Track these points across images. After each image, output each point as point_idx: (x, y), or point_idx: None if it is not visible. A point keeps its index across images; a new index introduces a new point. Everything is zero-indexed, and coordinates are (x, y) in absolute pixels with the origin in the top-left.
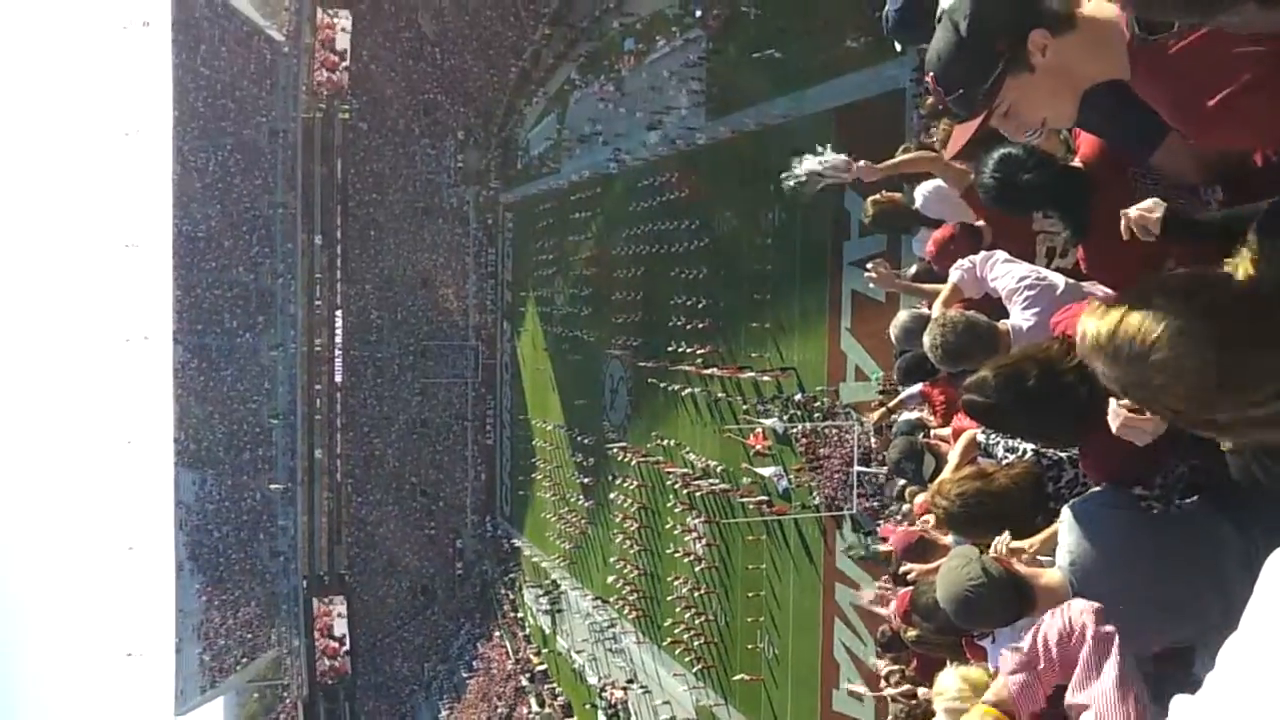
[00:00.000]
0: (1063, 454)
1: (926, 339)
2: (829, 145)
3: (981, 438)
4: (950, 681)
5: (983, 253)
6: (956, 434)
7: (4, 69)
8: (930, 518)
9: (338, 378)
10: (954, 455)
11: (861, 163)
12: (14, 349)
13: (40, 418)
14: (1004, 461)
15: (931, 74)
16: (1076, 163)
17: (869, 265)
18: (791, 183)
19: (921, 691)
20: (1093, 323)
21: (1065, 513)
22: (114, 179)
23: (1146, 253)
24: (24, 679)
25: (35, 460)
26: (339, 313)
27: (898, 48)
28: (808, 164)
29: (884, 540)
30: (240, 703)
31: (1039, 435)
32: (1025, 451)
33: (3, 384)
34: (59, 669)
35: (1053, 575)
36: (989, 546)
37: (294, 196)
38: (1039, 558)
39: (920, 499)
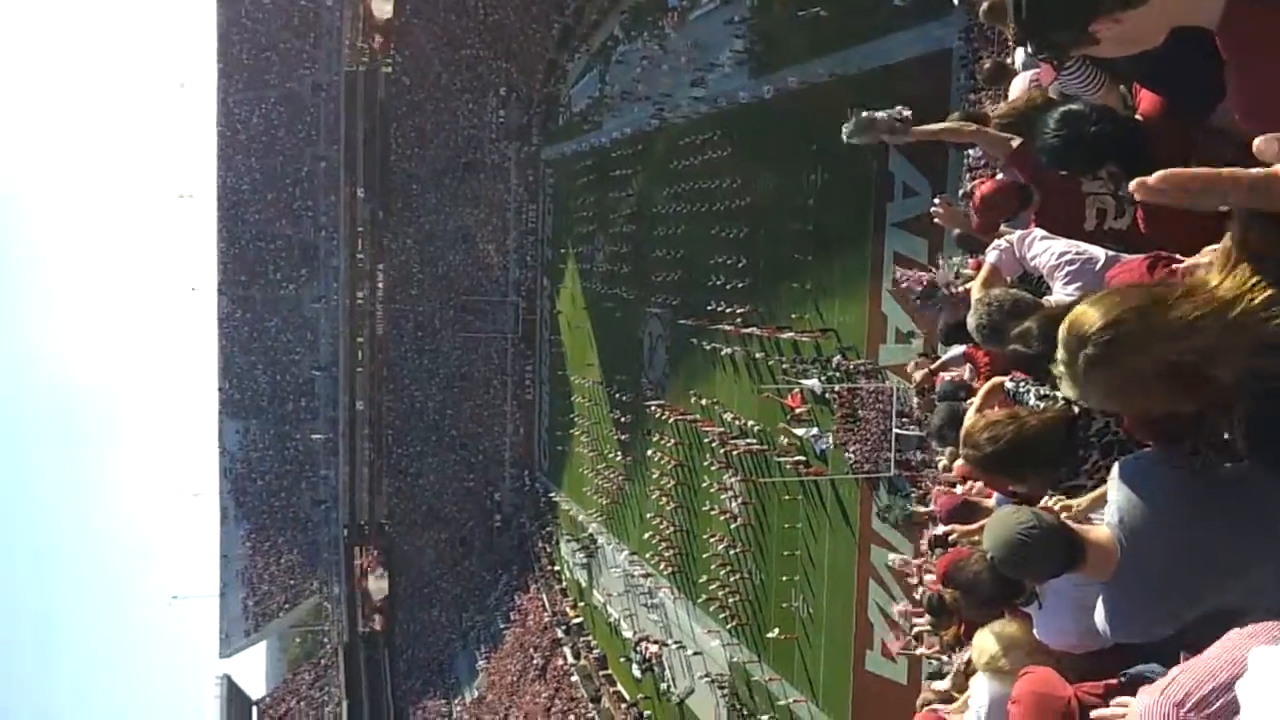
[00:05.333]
0: None
1: (971, 319)
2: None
3: (1010, 385)
4: (989, 640)
5: (1019, 232)
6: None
7: (62, 20)
8: (976, 483)
9: (379, 330)
10: (976, 399)
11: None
12: (69, 296)
13: (95, 363)
14: (1036, 408)
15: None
16: (1137, 118)
17: (935, 201)
18: (851, 128)
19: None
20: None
21: (1115, 469)
22: (167, 130)
23: (1206, 211)
24: (74, 619)
25: (86, 405)
26: (381, 266)
27: (954, 1)
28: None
29: (933, 503)
30: (282, 647)
31: None
32: (1057, 399)
33: (56, 332)
34: (108, 611)
35: (1101, 532)
36: (1031, 502)
37: (336, 150)
38: (1090, 516)
39: (960, 463)
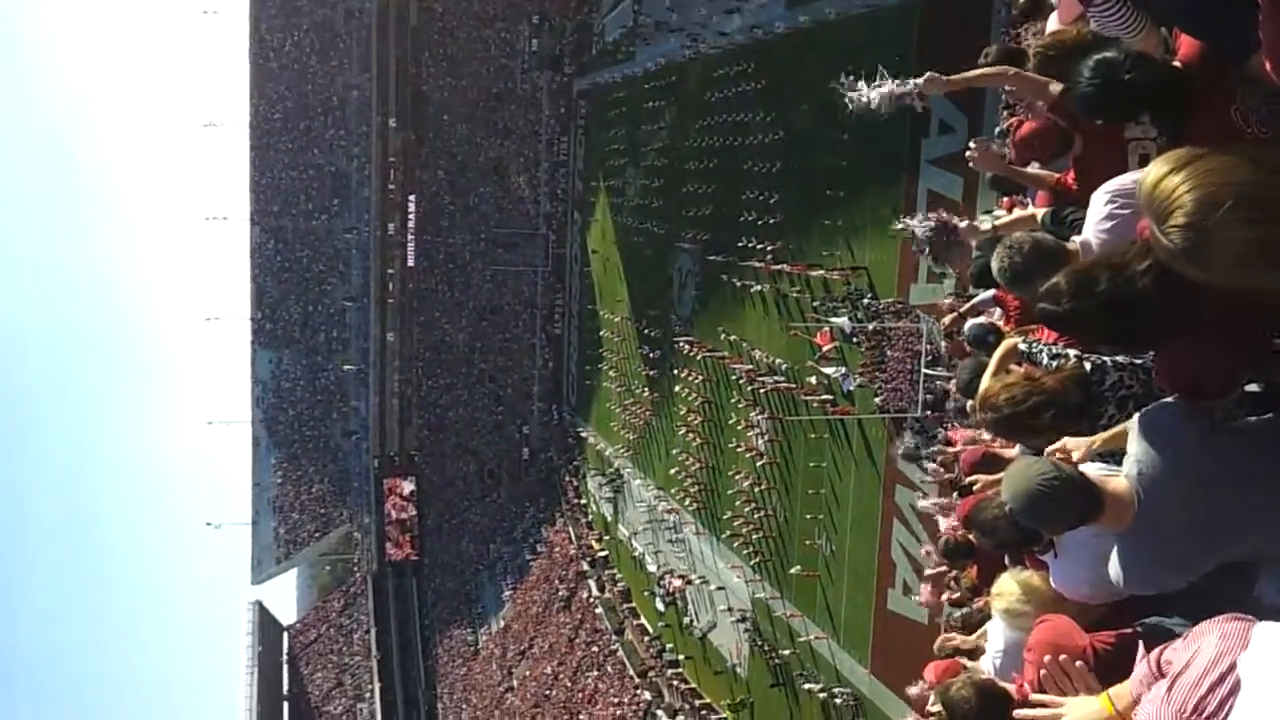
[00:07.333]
0: (1106, 358)
1: (994, 262)
2: (888, 70)
3: (1023, 346)
4: (1011, 586)
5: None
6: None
7: None
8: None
9: (410, 262)
10: (992, 363)
11: (928, 74)
12: (103, 227)
13: (129, 291)
14: (1049, 367)
15: None
16: (1176, 63)
17: (971, 143)
18: (854, 106)
19: (978, 602)
20: (1150, 171)
21: (1134, 421)
22: (195, 58)
23: None
24: (113, 542)
25: (120, 333)
26: (412, 197)
27: None
28: (874, 90)
29: (948, 444)
30: (313, 574)
31: (1114, 340)
32: (1069, 357)
33: (92, 260)
34: (145, 535)
35: (1119, 483)
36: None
37: (368, 79)
38: (1099, 464)
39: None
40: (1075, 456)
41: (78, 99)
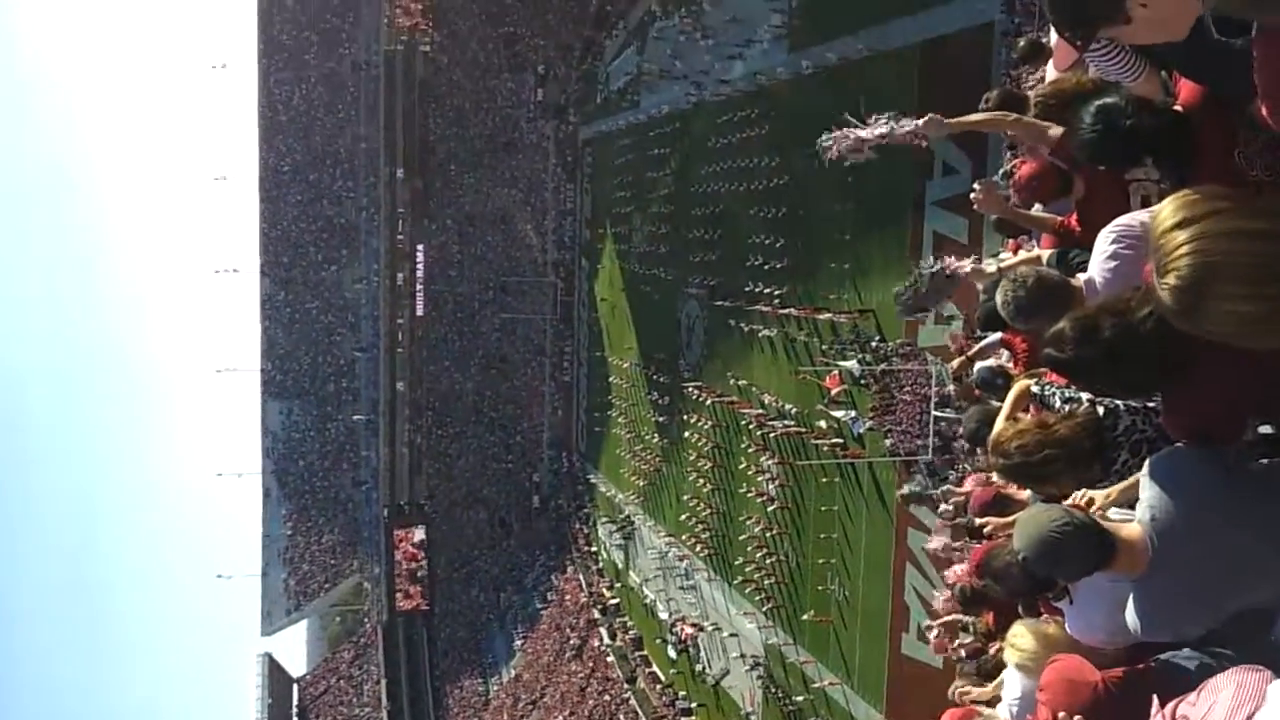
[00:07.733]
0: (1119, 402)
1: (998, 296)
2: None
3: (1036, 389)
4: (1026, 640)
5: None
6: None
7: (100, 7)
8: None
9: (419, 312)
10: (1005, 406)
11: (928, 116)
12: (113, 280)
13: (137, 345)
14: (1061, 411)
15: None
16: (1177, 108)
17: (976, 185)
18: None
19: (993, 648)
20: (1161, 214)
21: (1146, 466)
22: (203, 113)
23: None
24: (122, 595)
25: (130, 386)
26: (420, 247)
27: None
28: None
29: (958, 486)
30: (323, 626)
31: (1120, 386)
32: (1082, 401)
33: (103, 313)
34: (155, 588)
35: (1133, 529)
36: (1063, 500)
37: (375, 130)
38: (1116, 509)
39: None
40: (1097, 502)
41: (89, 154)
